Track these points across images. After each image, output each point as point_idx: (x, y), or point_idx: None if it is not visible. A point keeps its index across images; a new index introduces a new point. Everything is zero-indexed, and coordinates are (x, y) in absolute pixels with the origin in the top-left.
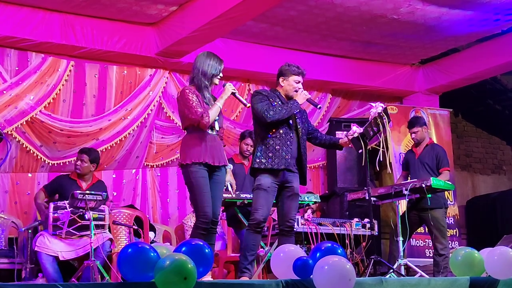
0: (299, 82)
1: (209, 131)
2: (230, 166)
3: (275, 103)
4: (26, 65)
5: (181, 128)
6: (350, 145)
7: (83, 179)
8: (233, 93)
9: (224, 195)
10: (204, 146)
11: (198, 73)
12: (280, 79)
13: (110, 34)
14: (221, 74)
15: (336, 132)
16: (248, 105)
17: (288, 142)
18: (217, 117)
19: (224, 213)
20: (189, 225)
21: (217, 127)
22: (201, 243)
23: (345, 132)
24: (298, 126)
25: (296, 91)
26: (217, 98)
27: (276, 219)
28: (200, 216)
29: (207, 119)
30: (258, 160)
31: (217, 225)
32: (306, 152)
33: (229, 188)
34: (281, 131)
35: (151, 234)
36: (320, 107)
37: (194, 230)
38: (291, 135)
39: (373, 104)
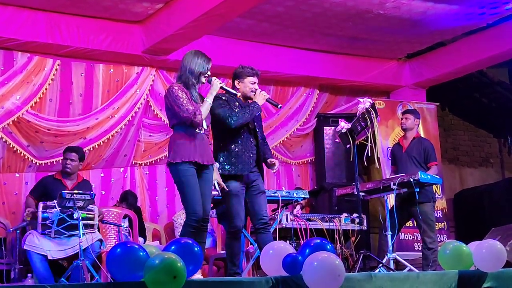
0: (254, 83)
1: (197, 130)
2: (217, 165)
3: (235, 107)
4: (11, 65)
5: (168, 126)
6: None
7: (68, 178)
8: (221, 87)
9: (213, 193)
10: (193, 145)
11: (185, 71)
12: (236, 82)
13: (96, 32)
14: (209, 73)
15: (324, 127)
16: (239, 94)
17: (250, 147)
18: None
19: (214, 210)
20: (179, 222)
21: (204, 126)
22: (190, 242)
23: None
24: (257, 130)
25: (254, 92)
26: (204, 96)
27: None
28: (190, 215)
29: (199, 117)
30: (221, 166)
31: (208, 222)
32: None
33: (217, 187)
34: (242, 136)
35: (141, 240)
36: (280, 106)
37: (185, 228)
38: (251, 139)
39: (361, 100)
